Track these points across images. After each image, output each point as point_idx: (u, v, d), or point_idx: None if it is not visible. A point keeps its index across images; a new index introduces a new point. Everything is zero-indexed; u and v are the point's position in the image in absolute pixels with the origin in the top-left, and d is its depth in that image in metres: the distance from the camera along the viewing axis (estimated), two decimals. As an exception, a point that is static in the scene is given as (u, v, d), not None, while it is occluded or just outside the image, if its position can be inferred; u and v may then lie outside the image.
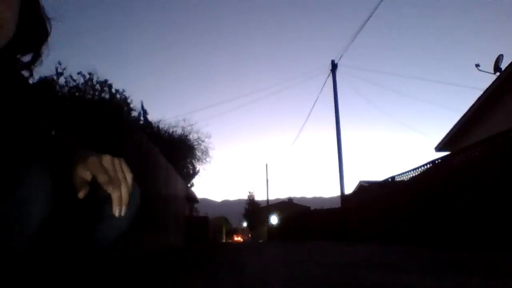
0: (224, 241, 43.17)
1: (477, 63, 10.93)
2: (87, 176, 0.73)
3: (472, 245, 6.14)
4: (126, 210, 0.75)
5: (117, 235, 0.84)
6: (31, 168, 0.62)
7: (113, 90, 12.65)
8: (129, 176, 0.77)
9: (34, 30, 0.84)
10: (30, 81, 0.91)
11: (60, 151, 0.78)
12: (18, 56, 0.84)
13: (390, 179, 10.32)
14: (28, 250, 0.70)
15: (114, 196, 0.74)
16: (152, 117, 17.06)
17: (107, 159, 0.76)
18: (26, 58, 0.86)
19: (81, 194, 0.71)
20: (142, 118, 15.90)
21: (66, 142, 0.82)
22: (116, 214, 0.74)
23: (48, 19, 0.87)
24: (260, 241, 37.58)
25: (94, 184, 0.74)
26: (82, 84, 11.57)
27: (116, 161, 0.77)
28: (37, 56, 0.87)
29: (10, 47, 0.77)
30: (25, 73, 0.86)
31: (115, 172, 0.75)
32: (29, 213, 0.60)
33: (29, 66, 0.87)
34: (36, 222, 0.62)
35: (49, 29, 0.87)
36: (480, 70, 10.89)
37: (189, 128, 19.76)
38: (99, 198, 0.77)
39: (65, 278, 0.82)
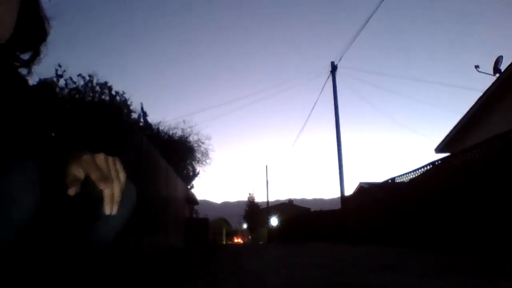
0: (224, 242, 43.12)
1: (476, 64, 10.95)
2: (80, 173, 0.73)
3: (472, 246, 6.13)
4: (117, 209, 0.74)
5: (113, 234, 0.84)
6: (15, 163, 0.60)
7: (113, 92, 12.67)
8: (122, 175, 0.76)
9: (33, 29, 0.85)
10: (29, 80, 0.91)
11: (59, 152, 0.78)
12: (18, 53, 0.85)
13: (390, 181, 10.31)
14: (24, 248, 0.69)
15: (106, 193, 0.73)
16: (152, 118, 17.09)
17: (100, 157, 0.75)
18: (25, 57, 0.86)
19: (71, 192, 0.70)
20: (142, 120, 15.90)
21: (65, 144, 0.82)
22: (107, 212, 0.74)
23: (47, 19, 0.87)
24: (260, 242, 37.54)
25: (90, 184, 0.74)
26: (82, 86, 11.59)
27: (110, 159, 0.76)
28: (36, 55, 0.88)
29: (9, 45, 0.78)
30: (24, 71, 0.87)
31: (108, 170, 0.75)
32: (12, 208, 0.59)
33: (28, 64, 0.88)
34: (22, 217, 0.60)
35: (48, 29, 0.88)
36: (479, 72, 10.90)
37: (189, 129, 19.79)
38: (95, 197, 0.76)
39: (65, 278, 0.82)
